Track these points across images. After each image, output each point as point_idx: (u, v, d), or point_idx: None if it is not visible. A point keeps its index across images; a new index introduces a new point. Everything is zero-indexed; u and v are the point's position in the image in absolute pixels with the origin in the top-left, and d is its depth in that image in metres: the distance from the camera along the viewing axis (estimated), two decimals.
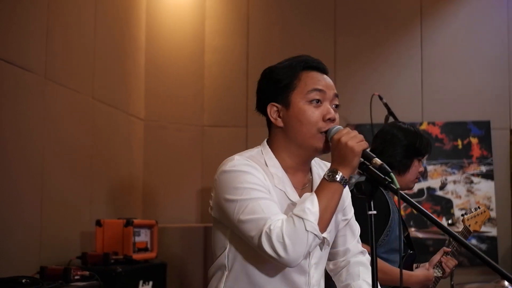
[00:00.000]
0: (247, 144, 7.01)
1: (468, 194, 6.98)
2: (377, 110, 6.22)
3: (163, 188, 6.73)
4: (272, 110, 2.49)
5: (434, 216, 2.30)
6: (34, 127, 4.59)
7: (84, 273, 3.92)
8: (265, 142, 2.58)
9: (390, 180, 2.33)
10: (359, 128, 6.89)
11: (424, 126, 6.92)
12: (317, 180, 2.57)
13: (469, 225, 4.27)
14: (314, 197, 2.30)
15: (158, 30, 6.78)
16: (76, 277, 3.81)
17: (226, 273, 2.46)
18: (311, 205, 2.28)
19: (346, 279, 2.69)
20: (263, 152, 2.52)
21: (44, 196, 4.66)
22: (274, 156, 2.50)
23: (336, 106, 2.50)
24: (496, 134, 7.00)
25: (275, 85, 2.49)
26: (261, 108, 2.57)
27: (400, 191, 2.27)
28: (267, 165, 2.46)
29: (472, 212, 4.29)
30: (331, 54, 7.15)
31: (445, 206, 6.90)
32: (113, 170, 5.92)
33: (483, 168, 6.95)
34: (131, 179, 6.33)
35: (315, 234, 2.26)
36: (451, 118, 7.05)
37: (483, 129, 7.00)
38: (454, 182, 6.97)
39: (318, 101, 2.44)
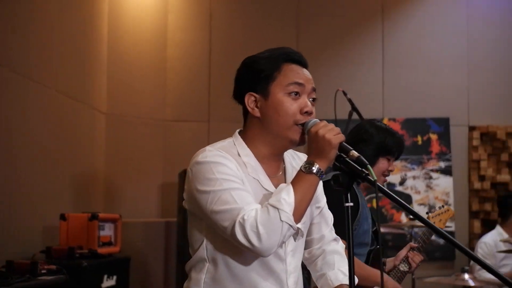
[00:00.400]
0: (209, 139, 7.01)
1: (427, 190, 7.08)
2: (339, 105, 6.25)
3: (124, 183, 6.69)
4: (250, 99, 2.50)
5: (414, 210, 2.34)
6: None
7: (51, 267, 3.88)
8: (236, 133, 2.58)
9: (367, 172, 2.37)
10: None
11: (384, 122, 6.97)
12: (289, 169, 2.59)
13: (434, 223, 4.33)
14: (290, 188, 2.32)
15: (121, 24, 6.73)
16: (43, 271, 3.77)
17: (207, 265, 2.45)
18: (287, 196, 2.30)
19: (321, 268, 2.70)
20: (235, 143, 2.52)
21: (7, 190, 4.60)
22: (246, 145, 2.51)
23: (314, 99, 2.52)
24: (455, 130, 7.12)
25: (256, 75, 2.49)
26: (239, 96, 2.56)
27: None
28: (239, 155, 2.47)
29: (436, 210, 4.38)
30: (293, 47, 7.15)
31: (405, 202, 6.96)
32: (75, 163, 5.86)
33: (442, 164, 7.06)
34: (93, 173, 6.28)
35: (289, 225, 2.28)
36: (411, 114, 7.15)
37: (442, 125, 7.11)
38: (414, 177, 7.07)
39: (296, 93, 2.46)
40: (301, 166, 2.37)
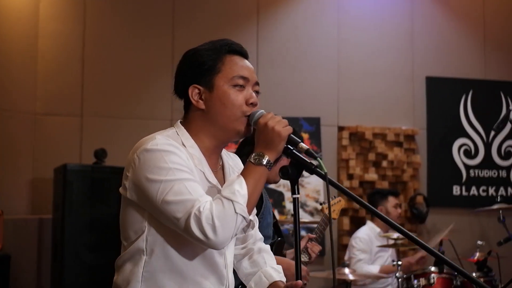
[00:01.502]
0: (82, 134, 6.82)
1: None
2: None
3: None
4: (194, 92, 2.46)
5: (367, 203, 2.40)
6: None
7: None
8: (179, 123, 2.53)
9: (316, 165, 2.41)
10: None
11: None
12: (227, 166, 2.59)
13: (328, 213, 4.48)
14: (242, 179, 2.31)
15: None
16: None
17: (144, 257, 2.37)
18: (240, 188, 2.29)
19: (251, 266, 2.70)
20: (179, 133, 2.47)
21: None
22: (190, 137, 2.46)
23: (257, 92, 2.53)
24: (325, 130, 7.34)
25: (198, 68, 2.46)
26: (180, 90, 2.52)
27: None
28: (184, 146, 2.42)
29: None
30: (169, 45, 7.12)
31: (277, 199, 7.12)
32: None
33: (313, 163, 7.24)
34: None
35: (243, 217, 2.27)
36: (284, 113, 7.16)
37: (314, 125, 7.31)
38: None
39: (241, 85, 2.46)
40: (250, 158, 2.37)
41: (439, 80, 7.76)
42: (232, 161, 2.67)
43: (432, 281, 5.50)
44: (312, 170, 2.43)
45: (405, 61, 7.73)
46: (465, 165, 7.73)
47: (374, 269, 6.24)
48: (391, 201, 6.50)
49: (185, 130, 2.48)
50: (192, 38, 7.14)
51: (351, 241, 6.51)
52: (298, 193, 2.45)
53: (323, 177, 2.38)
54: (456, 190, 7.67)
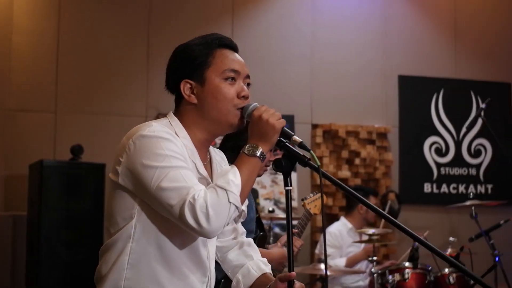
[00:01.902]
0: (56, 131, 6.78)
1: (272, 185, 7.30)
2: None
3: None
4: (186, 86, 2.48)
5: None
6: None
7: None
8: (172, 114, 2.53)
9: (309, 158, 2.46)
10: None
11: None
12: (213, 159, 2.62)
13: (310, 209, 4.54)
14: (236, 169, 2.34)
15: None
16: None
17: (131, 244, 2.36)
18: (234, 177, 2.31)
19: (237, 259, 2.73)
20: (172, 124, 2.47)
21: None
22: (184, 128, 2.48)
23: (248, 85, 2.56)
24: (299, 128, 7.39)
25: (190, 62, 2.48)
26: (172, 85, 2.54)
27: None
28: (178, 136, 2.42)
29: (311, 197, 4.56)
30: (144, 43, 7.12)
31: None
32: None
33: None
34: None
35: (236, 206, 2.29)
36: None
37: (288, 123, 7.29)
38: None
39: (233, 79, 2.49)
40: (244, 149, 2.40)
41: (411, 79, 7.86)
42: (218, 156, 2.70)
43: (406, 276, 5.58)
44: (306, 163, 2.47)
45: (378, 60, 7.82)
46: (436, 163, 7.84)
47: (341, 262, 6.32)
48: (371, 200, 6.57)
49: (178, 121, 2.49)
50: (168, 36, 7.17)
51: (322, 236, 6.59)
52: (291, 185, 2.48)
53: (317, 169, 2.42)
54: (427, 187, 7.78)
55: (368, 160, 7.53)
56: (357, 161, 7.50)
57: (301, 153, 2.50)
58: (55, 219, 5.72)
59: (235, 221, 2.51)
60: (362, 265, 6.50)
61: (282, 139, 2.48)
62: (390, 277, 5.63)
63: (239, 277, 2.68)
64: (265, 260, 2.75)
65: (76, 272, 5.70)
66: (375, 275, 5.51)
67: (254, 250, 2.77)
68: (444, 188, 7.82)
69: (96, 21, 7.06)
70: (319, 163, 2.42)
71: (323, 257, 6.22)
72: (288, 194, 2.48)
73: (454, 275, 5.70)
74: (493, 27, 8.26)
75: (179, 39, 7.51)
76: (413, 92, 7.86)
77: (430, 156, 7.82)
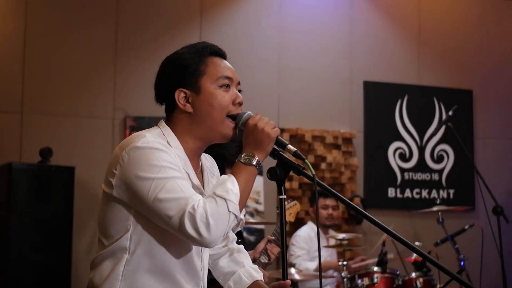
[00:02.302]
0: (22, 132, 6.70)
1: None
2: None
3: None
4: (180, 96, 2.48)
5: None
6: None
7: None
8: (164, 123, 2.53)
9: (303, 167, 2.50)
10: (138, 120, 6.92)
11: None
12: (204, 167, 2.64)
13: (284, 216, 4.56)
14: (233, 178, 2.35)
15: None
16: None
17: (126, 256, 2.36)
18: (233, 186, 2.32)
19: (229, 266, 2.74)
20: (165, 133, 2.47)
21: None
22: (176, 138, 2.48)
23: (240, 91, 2.59)
24: None
25: (183, 71, 2.49)
26: (164, 94, 2.54)
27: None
28: (171, 146, 2.43)
29: (286, 204, 4.58)
30: (112, 44, 7.08)
31: None
32: None
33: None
34: None
35: (235, 215, 2.31)
36: None
37: None
38: None
39: (227, 86, 2.51)
40: (240, 158, 2.43)
41: (376, 85, 7.96)
42: (208, 163, 2.70)
43: (375, 280, 5.66)
44: (300, 172, 2.51)
45: (344, 66, 7.90)
46: (400, 168, 7.95)
47: (311, 265, 6.38)
48: (320, 201, 6.67)
49: (170, 131, 2.49)
50: (135, 38, 7.17)
51: (291, 240, 6.66)
52: (284, 194, 2.51)
53: (311, 178, 2.45)
54: (391, 192, 7.89)
55: (334, 164, 7.61)
56: (323, 165, 7.57)
57: (296, 163, 2.53)
58: (24, 223, 5.66)
59: (233, 230, 2.52)
60: (330, 270, 6.57)
61: (276, 147, 2.51)
62: (359, 281, 5.70)
63: (230, 284, 2.70)
64: (256, 267, 2.77)
65: (46, 276, 5.66)
66: (344, 279, 5.59)
67: (245, 257, 2.78)
68: (407, 193, 7.94)
69: (63, 22, 7.00)
70: (313, 172, 2.45)
71: (293, 261, 6.32)
72: (282, 203, 2.51)
73: (421, 279, 5.80)
74: (456, 35, 8.42)
75: (147, 41, 7.57)
76: (378, 98, 7.96)
77: (394, 161, 7.93)
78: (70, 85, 6.94)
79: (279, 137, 2.49)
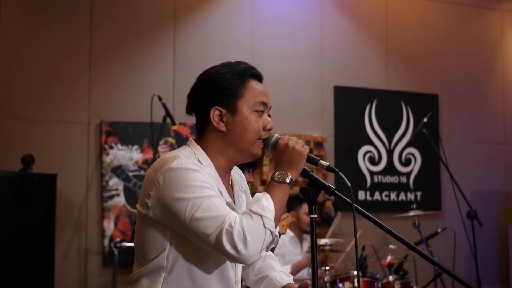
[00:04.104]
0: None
1: None
2: (142, 108, 6.42)
3: None
4: (215, 113, 2.54)
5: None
6: None
7: None
8: (193, 142, 2.59)
9: (334, 187, 2.58)
10: (113, 126, 6.91)
11: (175, 127, 7.09)
12: (234, 182, 2.72)
13: (277, 228, 4.64)
14: (268, 196, 2.44)
15: None
16: None
17: (164, 274, 2.43)
18: (268, 203, 2.41)
19: (260, 271, 2.83)
20: (195, 152, 2.54)
21: None
22: (207, 156, 2.54)
23: (269, 116, 2.65)
24: None
25: (223, 91, 2.54)
26: (198, 109, 2.59)
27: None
28: (202, 165, 2.49)
29: None
30: (87, 49, 7.04)
31: None
32: None
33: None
34: None
35: (271, 231, 2.39)
36: None
37: None
38: None
39: (262, 111, 2.58)
40: (273, 176, 2.50)
41: (346, 90, 8.09)
42: (237, 176, 2.78)
43: (356, 284, 5.78)
44: (332, 192, 2.59)
45: (315, 71, 8.01)
46: (370, 171, 8.10)
47: (286, 268, 6.46)
48: (304, 208, 6.74)
49: (201, 149, 2.55)
50: (110, 43, 7.14)
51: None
52: (315, 214, 2.59)
53: (347, 202, 2.55)
54: (361, 195, 8.03)
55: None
56: None
57: (327, 184, 2.61)
58: (6, 231, 5.60)
59: (267, 246, 2.59)
60: (304, 273, 6.67)
61: (306, 168, 2.58)
62: (340, 285, 5.82)
63: None
64: (286, 271, 2.86)
65: (28, 283, 5.61)
66: (327, 283, 5.69)
67: (276, 262, 2.87)
68: (376, 196, 8.09)
69: (37, 26, 6.92)
70: (349, 184, 2.54)
71: None
72: (313, 222, 2.59)
73: (398, 282, 5.94)
74: (422, 41, 8.61)
75: (121, 45, 7.54)
76: (348, 102, 8.09)
77: (364, 164, 8.07)
78: (45, 90, 6.87)
79: (309, 154, 2.57)
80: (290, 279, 2.80)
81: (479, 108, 8.85)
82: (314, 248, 2.57)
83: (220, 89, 2.55)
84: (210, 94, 2.56)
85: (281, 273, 2.83)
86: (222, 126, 2.54)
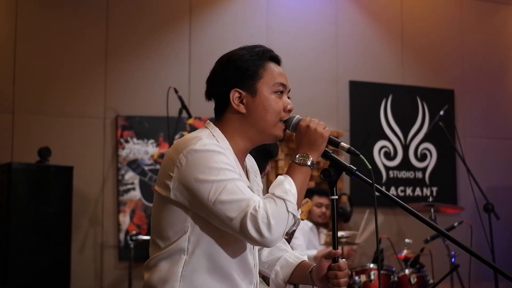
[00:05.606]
0: (13, 131, 6.65)
1: None
2: (157, 102, 6.42)
3: None
4: (235, 96, 2.53)
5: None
6: None
7: None
8: (211, 123, 2.58)
9: (355, 168, 2.57)
10: (129, 120, 6.93)
11: (191, 121, 7.10)
12: (248, 167, 2.70)
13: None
14: (290, 179, 2.42)
15: None
16: None
17: (185, 257, 2.39)
18: (290, 187, 2.39)
19: (272, 253, 2.79)
20: (214, 134, 2.51)
21: None
22: (226, 138, 2.53)
23: (289, 98, 2.64)
24: None
25: (242, 73, 2.53)
26: (218, 92, 2.58)
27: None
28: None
29: None
30: (102, 44, 7.06)
31: None
32: None
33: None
34: None
35: (294, 215, 2.37)
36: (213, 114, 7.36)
37: None
38: None
39: (281, 92, 2.57)
40: (294, 159, 2.48)
41: (361, 84, 8.07)
42: (249, 162, 2.75)
43: (372, 277, 5.77)
44: (353, 173, 2.58)
45: (330, 65, 7.99)
46: (385, 167, 8.08)
47: (311, 252, 6.44)
48: (315, 199, 6.73)
49: (219, 131, 2.54)
50: (125, 38, 7.17)
51: None
52: (336, 195, 2.58)
53: (368, 182, 2.53)
54: None
55: (322, 163, 7.68)
56: None
57: (348, 165, 2.60)
58: (23, 222, 5.63)
59: (289, 229, 2.58)
60: None
61: (327, 150, 2.57)
62: (356, 278, 5.80)
63: (277, 268, 2.75)
64: (299, 251, 2.84)
65: (45, 276, 5.64)
66: None
67: (286, 244, 2.85)
68: (392, 191, 8.07)
69: (53, 23, 6.96)
70: (370, 167, 2.52)
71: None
72: (333, 203, 2.58)
73: (415, 275, 5.92)
74: (438, 36, 8.58)
75: (137, 41, 7.57)
76: (363, 98, 8.07)
77: (379, 159, 8.05)
78: (61, 84, 6.92)
79: (331, 136, 2.55)
80: (304, 257, 2.78)
81: (495, 104, 8.81)
82: (335, 228, 2.56)
83: (240, 70, 2.53)
84: (230, 76, 2.55)
85: (295, 252, 2.81)
86: (242, 108, 2.53)
